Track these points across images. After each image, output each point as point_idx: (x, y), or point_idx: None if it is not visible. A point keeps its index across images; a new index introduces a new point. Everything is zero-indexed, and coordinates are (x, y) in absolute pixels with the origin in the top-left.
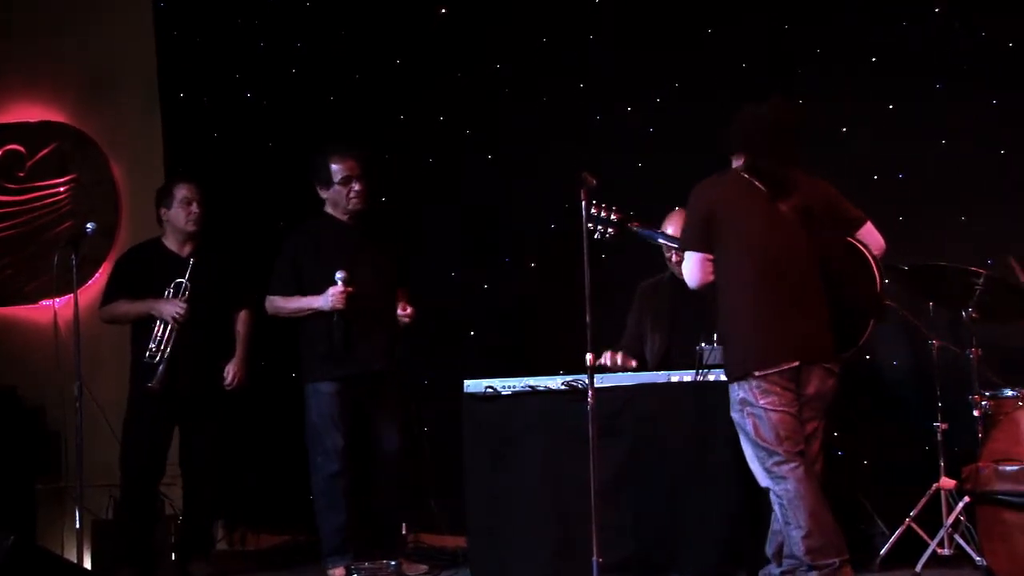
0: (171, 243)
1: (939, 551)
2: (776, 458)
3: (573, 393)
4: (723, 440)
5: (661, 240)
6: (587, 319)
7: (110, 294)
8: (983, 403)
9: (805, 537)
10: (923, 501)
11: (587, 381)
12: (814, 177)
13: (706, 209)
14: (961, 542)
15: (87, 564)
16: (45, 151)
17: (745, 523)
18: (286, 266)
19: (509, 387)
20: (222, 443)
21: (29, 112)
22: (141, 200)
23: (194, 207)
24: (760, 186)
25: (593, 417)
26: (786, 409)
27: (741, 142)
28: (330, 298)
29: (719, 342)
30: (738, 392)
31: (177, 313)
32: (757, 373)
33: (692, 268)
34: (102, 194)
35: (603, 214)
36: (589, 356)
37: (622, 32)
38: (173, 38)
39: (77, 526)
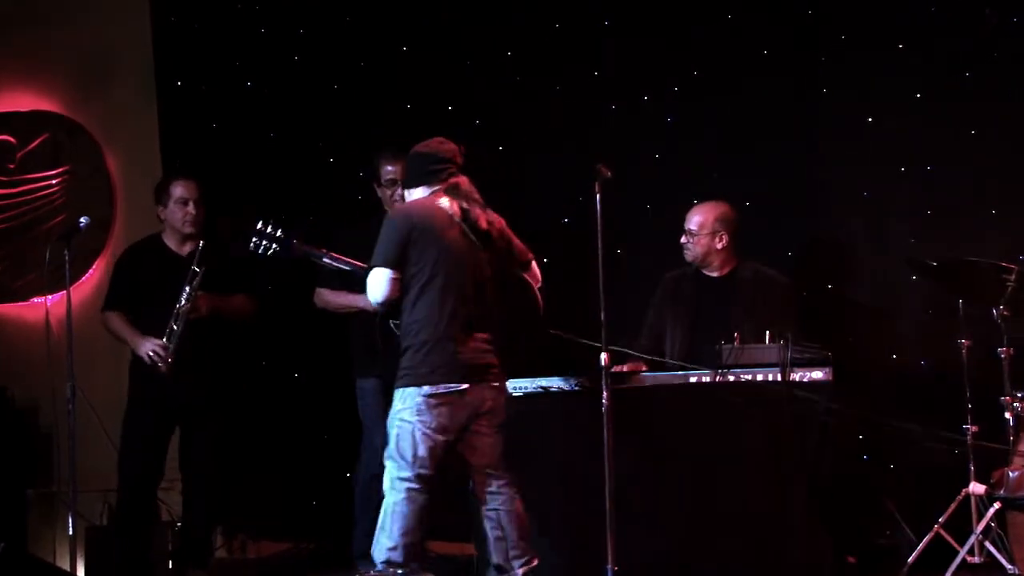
0: (171, 241)
1: (969, 559)
2: (404, 473)
3: (587, 394)
4: (746, 443)
5: (326, 260)
6: (601, 317)
7: (109, 301)
8: (1015, 404)
9: (391, 549)
10: (952, 507)
11: (601, 382)
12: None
13: (407, 231)
14: (992, 549)
15: (80, 572)
16: (37, 142)
17: (770, 529)
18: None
19: (520, 388)
20: (223, 447)
21: (20, 101)
22: (137, 193)
23: (191, 207)
24: (454, 213)
25: (608, 419)
26: (432, 434)
27: (421, 178)
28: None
29: (402, 354)
30: (398, 400)
31: (152, 352)
32: (425, 390)
33: (382, 284)
34: (96, 187)
35: (269, 229)
36: (604, 356)
37: (638, 18)
38: (170, 24)
39: (70, 533)
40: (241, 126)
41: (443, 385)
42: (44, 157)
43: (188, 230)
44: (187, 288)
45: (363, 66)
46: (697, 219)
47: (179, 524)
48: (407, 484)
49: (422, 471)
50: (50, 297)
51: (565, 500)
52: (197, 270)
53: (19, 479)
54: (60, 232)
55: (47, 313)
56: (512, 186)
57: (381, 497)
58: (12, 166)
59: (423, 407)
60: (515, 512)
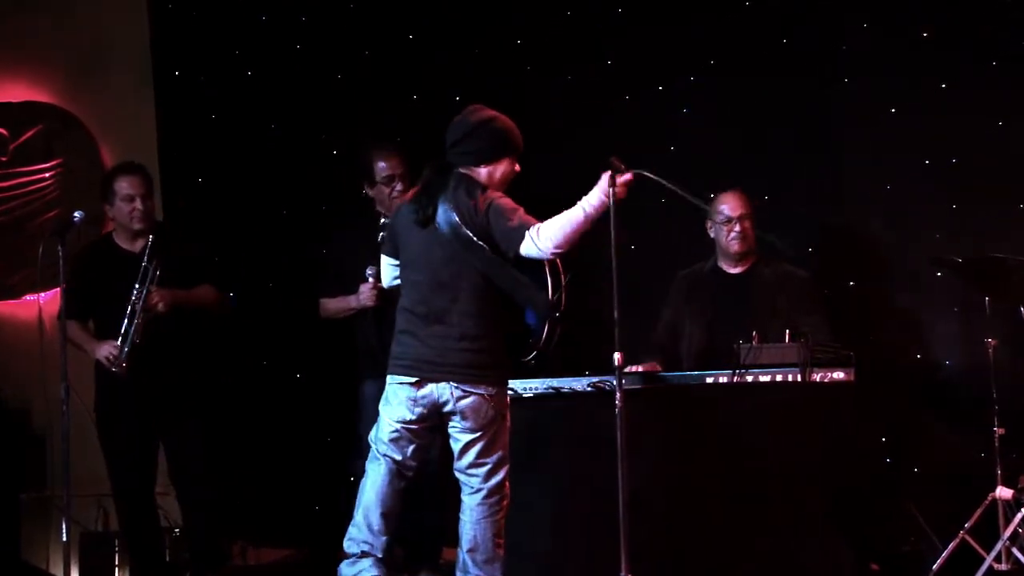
0: (122, 240)
1: (996, 566)
2: (370, 451)
3: (600, 395)
4: (764, 446)
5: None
6: (615, 315)
7: (67, 310)
8: None
9: (351, 526)
10: (978, 512)
11: (615, 382)
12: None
13: (391, 221)
14: (1019, 556)
15: None
16: (29, 134)
17: (788, 535)
18: (328, 265)
19: (531, 389)
20: (212, 446)
21: (12, 91)
22: None
23: (137, 203)
24: (414, 206)
25: (622, 421)
26: (389, 419)
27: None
28: (361, 296)
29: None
30: None
31: (108, 356)
32: (387, 378)
33: (382, 270)
34: (91, 180)
35: None
36: (617, 355)
37: (653, 5)
38: (167, 11)
39: (64, 539)
40: (241, 117)
41: (392, 376)
42: (37, 149)
43: (137, 227)
44: (136, 286)
45: (367, 55)
46: (738, 201)
47: (177, 530)
48: (371, 458)
49: (385, 452)
50: (43, 295)
51: (577, 504)
52: (148, 266)
53: (12, 483)
54: (54, 227)
55: (40, 311)
56: (522, 179)
57: None
58: (4, 159)
59: (386, 395)
60: (474, 525)
